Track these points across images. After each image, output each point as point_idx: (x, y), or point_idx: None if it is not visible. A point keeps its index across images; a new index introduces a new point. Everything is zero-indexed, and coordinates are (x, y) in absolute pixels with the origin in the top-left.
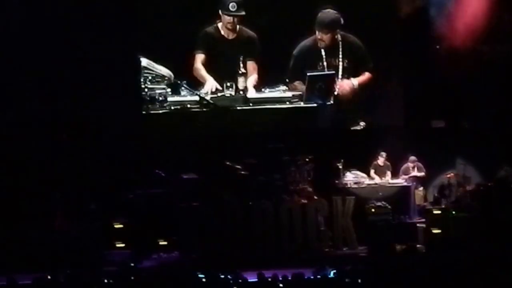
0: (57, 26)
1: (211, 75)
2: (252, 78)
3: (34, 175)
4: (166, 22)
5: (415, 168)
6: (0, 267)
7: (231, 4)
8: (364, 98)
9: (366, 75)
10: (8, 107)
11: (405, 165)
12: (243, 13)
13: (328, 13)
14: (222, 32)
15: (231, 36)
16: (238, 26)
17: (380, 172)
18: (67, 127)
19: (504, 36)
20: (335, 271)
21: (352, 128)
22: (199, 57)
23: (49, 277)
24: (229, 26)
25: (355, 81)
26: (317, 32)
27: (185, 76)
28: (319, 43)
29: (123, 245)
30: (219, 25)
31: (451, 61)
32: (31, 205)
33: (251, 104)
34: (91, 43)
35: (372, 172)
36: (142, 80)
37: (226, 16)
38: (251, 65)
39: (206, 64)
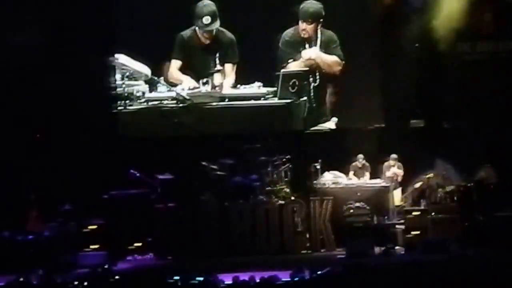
0: (31, 23)
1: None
2: (229, 80)
3: (7, 175)
4: (145, 19)
5: (396, 166)
6: None
7: (204, 18)
8: (338, 94)
9: (333, 56)
10: None
11: (386, 163)
12: (217, 25)
13: (312, 3)
14: (199, 36)
15: (208, 41)
16: (215, 31)
17: (359, 174)
18: (41, 126)
19: (485, 35)
20: (312, 273)
21: (325, 125)
22: (175, 64)
23: (21, 279)
24: (205, 35)
25: (321, 53)
26: (300, 23)
27: (163, 73)
28: (302, 34)
29: (97, 246)
30: (197, 28)
31: (430, 60)
32: (4, 206)
33: (226, 100)
34: (66, 41)
35: (351, 173)
36: (119, 76)
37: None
38: (228, 67)
39: (182, 70)
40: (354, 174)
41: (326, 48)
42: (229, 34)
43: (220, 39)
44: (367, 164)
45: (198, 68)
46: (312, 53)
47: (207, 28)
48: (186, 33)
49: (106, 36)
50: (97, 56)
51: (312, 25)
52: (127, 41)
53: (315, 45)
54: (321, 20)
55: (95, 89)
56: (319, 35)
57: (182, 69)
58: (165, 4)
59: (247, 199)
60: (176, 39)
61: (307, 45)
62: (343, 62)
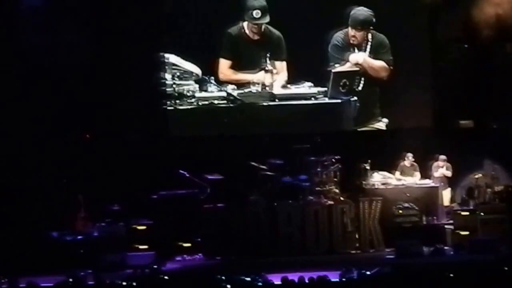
0: (82, 25)
1: None
2: (281, 78)
3: (56, 176)
4: (195, 20)
5: (444, 167)
6: (21, 268)
7: (255, 12)
8: (387, 95)
9: (380, 62)
10: (31, 108)
11: (435, 163)
12: (267, 20)
13: (362, 11)
14: (247, 32)
15: (256, 37)
16: (263, 27)
17: (408, 173)
18: (91, 126)
19: None
20: (361, 273)
21: (375, 125)
22: (225, 63)
23: (71, 279)
24: (254, 29)
25: (368, 58)
26: (350, 29)
27: (213, 72)
28: (351, 40)
29: (145, 247)
30: (245, 24)
31: (479, 61)
32: (53, 206)
33: (277, 100)
34: (115, 41)
35: (397, 173)
36: (170, 76)
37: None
38: (278, 65)
39: (232, 67)
40: (402, 174)
41: (375, 53)
42: (277, 32)
43: (268, 36)
44: (416, 163)
45: (247, 65)
46: (360, 58)
47: (256, 22)
48: (234, 30)
49: (157, 36)
50: (148, 56)
51: (361, 32)
52: (177, 41)
53: (365, 50)
54: (371, 27)
55: (145, 89)
56: (369, 40)
57: (232, 67)
58: (214, 3)
59: (296, 200)
60: (224, 37)
61: (356, 50)
62: (391, 67)
